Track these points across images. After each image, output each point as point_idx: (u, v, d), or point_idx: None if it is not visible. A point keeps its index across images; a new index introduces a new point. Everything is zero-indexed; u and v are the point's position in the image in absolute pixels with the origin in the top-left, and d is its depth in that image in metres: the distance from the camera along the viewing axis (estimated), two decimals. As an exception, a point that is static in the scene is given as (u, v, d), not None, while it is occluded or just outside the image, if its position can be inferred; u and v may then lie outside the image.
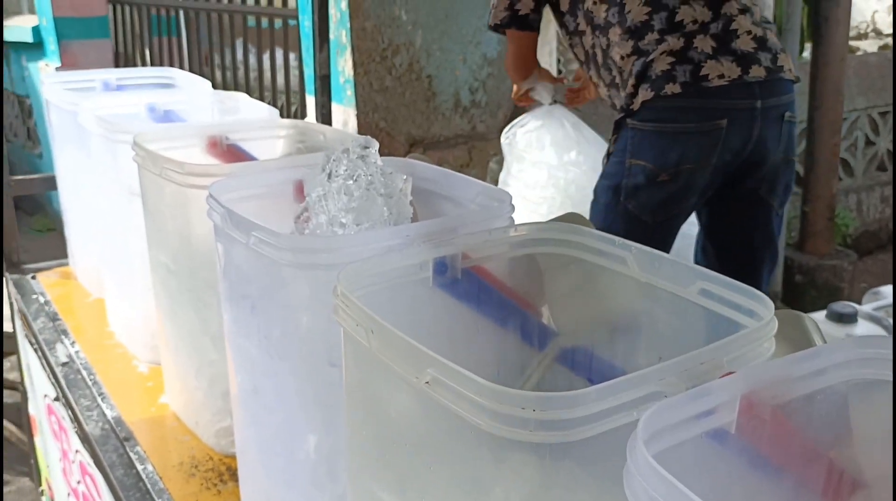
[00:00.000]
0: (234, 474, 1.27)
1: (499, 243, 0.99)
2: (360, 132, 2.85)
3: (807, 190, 3.55)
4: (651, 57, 1.81)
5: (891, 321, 2.06)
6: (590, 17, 1.94)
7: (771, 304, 0.73)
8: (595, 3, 1.92)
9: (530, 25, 2.09)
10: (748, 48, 1.79)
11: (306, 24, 3.00)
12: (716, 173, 1.83)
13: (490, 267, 0.99)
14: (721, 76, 1.76)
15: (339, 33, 2.85)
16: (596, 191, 1.98)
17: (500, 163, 3.33)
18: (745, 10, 1.84)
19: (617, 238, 0.91)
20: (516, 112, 3.40)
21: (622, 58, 1.87)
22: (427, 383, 0.66)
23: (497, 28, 2.16)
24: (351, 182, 1.04)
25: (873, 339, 0.71)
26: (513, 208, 1.07)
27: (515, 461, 0.64)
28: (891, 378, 0.70)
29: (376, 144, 1.09)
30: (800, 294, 3.56)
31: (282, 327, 0.99)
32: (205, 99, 1.94)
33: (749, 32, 1.81)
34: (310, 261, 0.93)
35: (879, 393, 0.71)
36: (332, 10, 2.84)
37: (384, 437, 0.77)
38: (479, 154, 3.12)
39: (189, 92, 2.05)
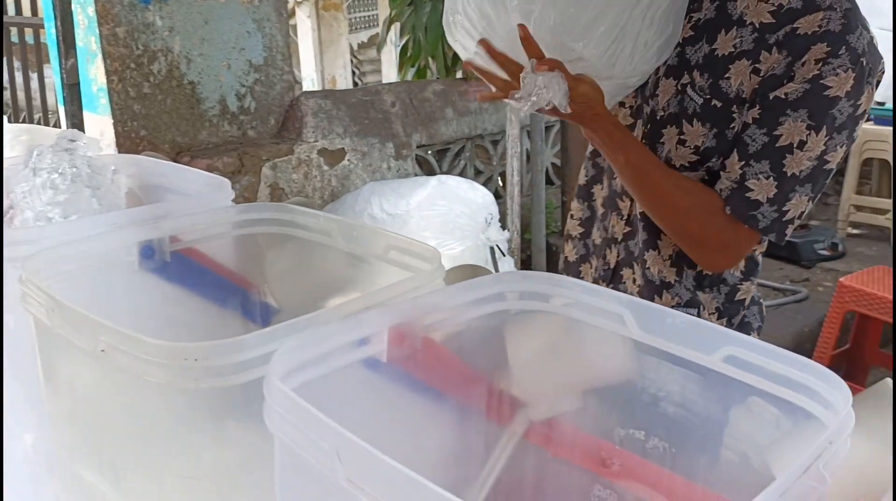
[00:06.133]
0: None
1: (213, 225, 1.02)
2: (119, 142, 2.75)
3: (564, 181, 3.86)
4: None
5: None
6: None
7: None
8: None
9: None
10: None
11: (52, 31, 2.85)
12: None
13: (205, 249, 1.01)
14: None
15: (89, 40, 2.74)
16: None
17: (275, 168, 3.34)
18: None
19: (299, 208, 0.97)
20: (288, 118, 3.41)
21: None
22: (103, 351, 0.68)
23: None
24: (56, 176, 1.03)
25: (528, 274, 0.80)
26: (232, 193, 1.11)
27: (191, 415, 0.67)
28: (541, 309, 0.81)
29: (84, 137, 1.08)
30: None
31: (-13, 326, 0.96)
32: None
33: None
34: (11, 254, 0.91)
35: (533, 322, 0.81)
36: (79, 17, 2.71)
37: (78, 417, 0.78)
38: (251, 160, 3.10)
39: None
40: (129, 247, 0.92)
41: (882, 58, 1.10)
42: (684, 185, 1.17)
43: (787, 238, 1.15)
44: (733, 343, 0.66)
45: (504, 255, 3.32)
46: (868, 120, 4.12)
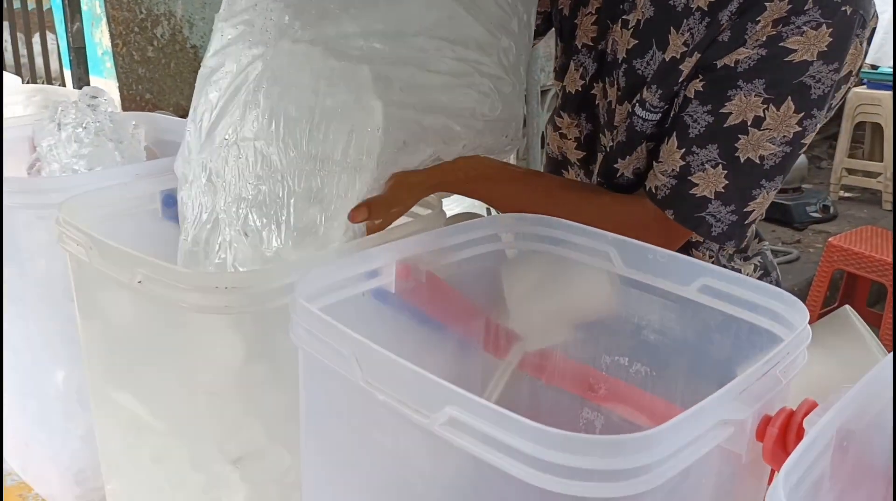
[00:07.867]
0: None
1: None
2: (124, 106, 2.80)
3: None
4: None
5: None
6: None
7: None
8: None
9: None
10: None
11: (56, -5, 2.89)
12: None
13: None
14: None
15: (93, 4, 2.78)
16: None
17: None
18: None
19: None
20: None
21: None
22: (139, 282, 0.75)
23: None
24: (80, 130, 1.09)
25: (521, 217, 0.87)
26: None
27: (219, 338, 0.75)
28: (534, 248, 0.87)
29: (105, 93, 1.14)
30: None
31: (19, 270, 1.03)
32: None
33: None
34: (40, 202, 0.98)
35: (527, 261, 0.88)
36: (83, -19, 2.76)
37: (113, 345, 0.86)
38: (253, 123, 3.16)
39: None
40: (153, 196, 0.99)
41: (874, 2, 0.87)
42: (594, 206, 0.98)
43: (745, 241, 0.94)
44: (707, 274, 0.72)
45: (502, 217, 3.40)
46: (861, 84, 4.15)
